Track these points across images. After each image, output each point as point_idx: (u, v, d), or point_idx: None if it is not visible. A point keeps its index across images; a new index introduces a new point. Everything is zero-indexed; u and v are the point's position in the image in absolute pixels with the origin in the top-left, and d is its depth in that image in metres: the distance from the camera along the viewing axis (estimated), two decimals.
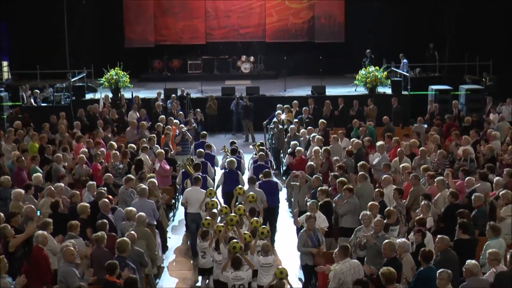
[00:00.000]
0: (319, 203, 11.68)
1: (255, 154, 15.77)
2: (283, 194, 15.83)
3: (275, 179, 14.08)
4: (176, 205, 16.09)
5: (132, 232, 10.16)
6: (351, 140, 16.81)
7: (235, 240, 10.06)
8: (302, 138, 17.80)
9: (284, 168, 17.88)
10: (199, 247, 11.20)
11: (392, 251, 9.23)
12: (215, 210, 11.59)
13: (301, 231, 10.95)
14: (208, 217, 11.23)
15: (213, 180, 15.03)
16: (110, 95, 23.70)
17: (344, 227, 11.71)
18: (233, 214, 10.98)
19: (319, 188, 12.20)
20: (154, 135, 17.56)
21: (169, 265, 12.88)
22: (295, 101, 21.51)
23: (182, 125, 18.38)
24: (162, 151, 15.44)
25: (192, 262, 12.87)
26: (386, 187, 12.52)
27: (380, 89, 25.23)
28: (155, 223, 12.13)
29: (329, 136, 18.01)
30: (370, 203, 11.26)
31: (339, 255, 9.38)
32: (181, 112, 20.77)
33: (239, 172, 14.50)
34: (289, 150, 16.69)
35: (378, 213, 10.95)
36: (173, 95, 23.01)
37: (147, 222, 10.99)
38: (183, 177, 14.32)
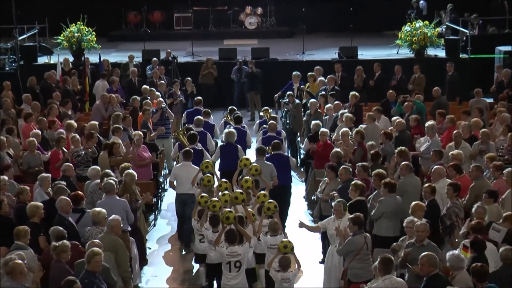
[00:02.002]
0: (350, 203, 11.69)
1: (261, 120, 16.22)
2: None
3: (286, 154, 14.63)
4: (159, 205, 16.17)
5: (96, 240, 10.17)
6: (392, 119, 16.76)
7: (227, 210, 10.75)
8: (326, 117, 17.78)
9: (302, 156, 17.86)
10: (196, 230, 11.99)
11: (431, 266, 9.17)
12: (214, 189, 12.30)
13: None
14: (204, 194, 11.95)
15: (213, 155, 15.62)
16: (71, 58, 23.60)
17: (378, 235, 11.68)
18: (238, 190, 11.65)
19: (352, 183, 12.17)
20: (130, 112, 17.64)
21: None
22: (317, 67, 21.45)
23: (161, 99, 18.51)
24: (140, 133, 15.47)
25: (181, 251, 13.90)
26: (438, 182, 12.47)
27: (431, 51, 25.16)
28: (129, 228, 12.14)
29: (362, 114, 17.97)
30: (413, 203, 11.19)
31: (379, 270, 9.35)
32: (162, 82, 20.83)
33: (238, 146, 15.05)
34: (309, 132, 16.69)
35: (425, 217, 10.90)
36: (155, 58, 22.96)
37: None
38: (180, 150, 14.80)
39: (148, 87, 19.89)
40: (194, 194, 13.25)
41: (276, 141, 14.70)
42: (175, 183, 13.87)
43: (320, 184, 13.49)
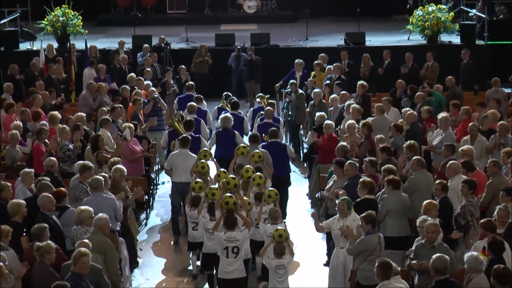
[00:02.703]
0: (356, 201, 11.73)
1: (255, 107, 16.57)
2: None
3: (283, 142, 14.84)
4: (151, 203, 16.21)
5: (85, 240, 10.19)
6: (403, 110, 16.80)
7: (227, 195, 11.16)
8: (331, 108, 17.80)
9: (305, 150, 17.93)
10: (189, 217, 12.66)
11: (440, 271, 9.15)
12: (211, 177, 12.75)
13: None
14: (199, 180, 12.45)
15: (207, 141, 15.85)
16: (55, 45, 23.59)
17: (387, 236, 11.55)
18: (231, 176, 11.98)
19: (360, 180, 12.16)
20: (119, 103, 17.58)
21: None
22: (321, 55, 21.49)
23: (153, 88, 18.54)
24: (131, 125, 15.47)
25: (172, 242, 14.41)
26: (452, 179, 12.51)
27: (445, 37, 25.20)
28: (118, 228, 12.18)
29: (370, 105, 18.01)
30: (426, 202, 11.22)
31: (377, 275, 9.44)
32: (148, 69, 20.84)
33: (236, 132, 15.32)
34: (312, 125, 16.75)
35: (438, 216, 10.95)
36: (146, 45, 22.99)
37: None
38: (170, 138, 15.26)
39: (134, 75, 19.92)
40: (190, 183, 13.46)
41: (273, 128, 14.90)
42: (171, 170, 14.22)
43: (327, 180, 13.52)
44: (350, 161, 13.15)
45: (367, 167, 12.97)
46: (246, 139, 16.24)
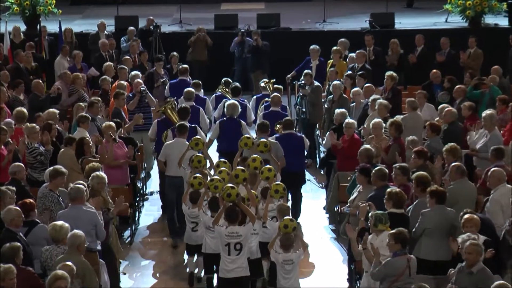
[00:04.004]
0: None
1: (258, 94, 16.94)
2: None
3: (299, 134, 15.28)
4: (136, 217, 16.19)
5: (69, 263, 10.11)
6: (439, 107, 16.74)
7: (229, 185, 11.70)
8: (353, 104, 17.79)
9: (322, 155, 17.95)
10: (188, 216, 13.11)
11: None
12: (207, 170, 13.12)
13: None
14: (197, 174, 12.84)
15: (207, 133, 16.37)
16: (23, 27, 23.64)
17: (422, 259, 11.55)
18: (240, 167, 12.54)
19: (387, 190, 12.08)
20: (99, 97, 17.57)
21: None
22: (341, 40, 21.50)
23: (139, 80, 18.47)
24: (112, 124, 15.49)
25: (170, 242, 14.96)
26: (496, 189, 12.50)
27: (489, 19, 25.17)
28: (99, 247, 12.19)
29: (400, 100, 18.00)
30: (466, 217, 11.19)
31: None
32: (127, 57, 20.90)
33: (242, 121, 15.77)
34: (331, 124, 16.79)
35: (480, 233, 10.94)
36: (131, 28, 23.03)
37: (86, 247, 11.02)
38: (160, 128, 15.68)
39: (111, 63, 19.97)
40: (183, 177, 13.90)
41: (288, 117, 15.27)
42: (165, 163, 14.69)
43: (348, 191, 13.49)
44: (377, 167, 13.05)
45: (397, 175, 12.90)
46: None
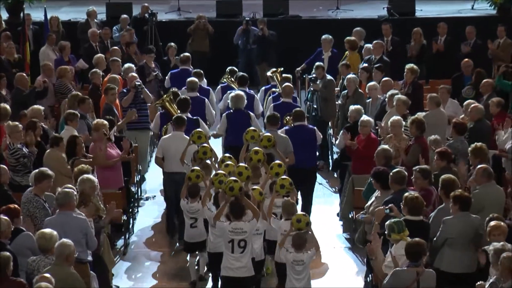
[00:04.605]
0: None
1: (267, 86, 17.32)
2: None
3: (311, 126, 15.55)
4: (131, 225, 16.19)
5: (47, 275, 10.14)
6: (465, 103, 16.66)
7: (232, 179, 11.97)
8: (369, 100, 17.80)
9: (335, 156, 18.00)
10: (186, 212, 13.47)
11: None
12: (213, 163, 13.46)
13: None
14: (195, 167, 13.21)
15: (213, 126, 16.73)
16: (4, 15, 23.82)
17: (445, 272, 11.57)
18: (243, 164, 12.80)
19: (404, 194, 11.98)
20: (88, 92, 17.81)
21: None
22: (356, 29, 21.59)
23: (134, 74, 18.47)
24: (104, 122, 15.43)
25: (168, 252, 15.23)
26: None
27: None
28: (90, 258, 12.20)
29: (422, 96, 18.01)
30: (492, 224, 11.09)
31: None
32: (115, 48, 20.94)
33: (251, 113, 16.04)
34: (345, 122, 16.83)
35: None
36: (124, 16, 23.15)
37: (75, 257, 10.95)
38: (163, 121, 16.01)
39: (103, 56, 20.03)
40: (185, 172, 14.00)
41: (299, 109, 15.54)
42: (163, 158, 14.92)
43: (364, 196, 13.46)
44: (397, 169, 12.99)
45: (417, 178, 12.88)
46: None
